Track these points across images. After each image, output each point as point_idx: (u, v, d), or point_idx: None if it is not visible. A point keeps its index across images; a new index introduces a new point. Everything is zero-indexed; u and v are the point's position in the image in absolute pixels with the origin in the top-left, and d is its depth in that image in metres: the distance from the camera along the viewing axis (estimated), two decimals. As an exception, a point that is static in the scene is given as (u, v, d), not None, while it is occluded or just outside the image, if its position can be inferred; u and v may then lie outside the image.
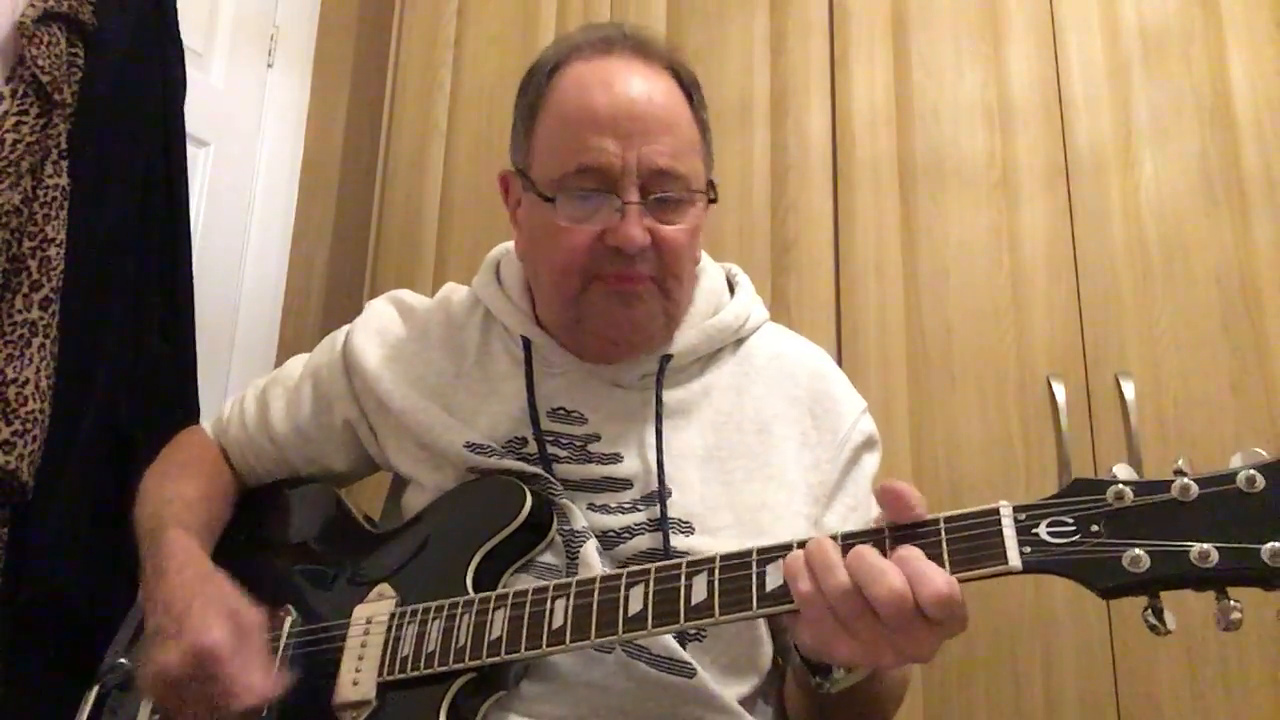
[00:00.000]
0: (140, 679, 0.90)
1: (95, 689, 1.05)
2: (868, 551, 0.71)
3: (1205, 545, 0.64)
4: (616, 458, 0.99)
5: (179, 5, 1.68)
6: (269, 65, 2.09)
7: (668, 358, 1.02)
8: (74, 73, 1.48)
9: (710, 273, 1.10)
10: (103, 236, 1.49)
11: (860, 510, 1.02)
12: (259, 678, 0.86)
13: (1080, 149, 1.67)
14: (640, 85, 0.96)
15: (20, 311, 1.36)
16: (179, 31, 1.68)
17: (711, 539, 0.94)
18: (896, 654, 0.70)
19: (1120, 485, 0.69)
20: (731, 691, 0.93)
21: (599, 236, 0.94)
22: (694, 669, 0.89)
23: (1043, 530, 0.70)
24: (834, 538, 0.75)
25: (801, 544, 0.75)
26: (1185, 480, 0.67)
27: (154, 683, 0.87)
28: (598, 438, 1.00)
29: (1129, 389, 1.54)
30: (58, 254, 1.40)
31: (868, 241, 1.71)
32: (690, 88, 1.01)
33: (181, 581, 0.93)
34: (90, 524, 1.39)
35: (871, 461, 1.06)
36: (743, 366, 1.06)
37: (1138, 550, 0.66)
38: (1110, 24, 1.71)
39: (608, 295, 0.96)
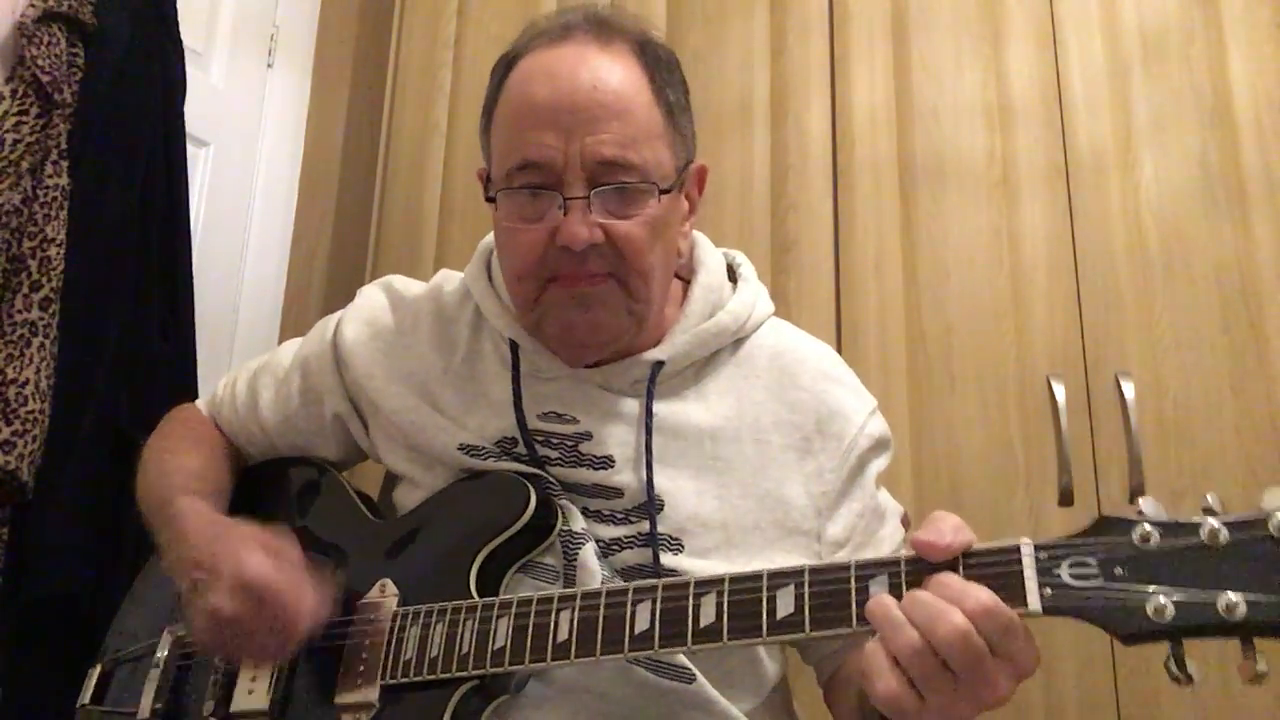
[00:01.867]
0: (194, 635, 0.89)
1: (98, 667, 1.05)
2: (921, 594, 0.69)
3: (1233, 596, 0.62)
4: (608, 462, 0.96)
5: (179, 5, 1.68)
6: (269, 65, 2.09)
7: (659, 365, 0.98)
8: (74, 73, 1.48)
9: (709, 266, 1.04)
10: (103, 236, 1.49)
11: (867, 517, 0.98)
12: (310, 594, 0.86)
13: (1080, 149, 1.67)
14: (587, 73, 0.91)
15: (20, 311, 1.36)
16: (179, 31, 1.68)
17: (700, 560, 0.91)
18: (975, 705, 0.68)
19: (1146, 526, 0.66)
20: (729, 699, 0.91)
21: (549, 238, 0.90)
22: (693, 674, 0.88)
23: (1064, 571, 0.68)
24: (846, 566, 0.74)
25: (815, 569, 0.74)
26: (1214, 524, 0.64)
27: (210, 630, 0.86)
28: (589, 436, 0.97)
29: (1129, 389, 1.54)
30: (58, 254, 1.40)
31: (868, 241, 1.71)
32: (655, 68, 0.95)
33: (202, 537, 0.92)
34: (90, 524, 1.39)
35: (878, 464, 1.01)
36: (741, 369, 1.02)
37: (1162, 598, 0.64)
38: (1110, 24, 1.71)
39: (564, 298, 0.92)
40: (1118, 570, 0.66)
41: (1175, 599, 0.64)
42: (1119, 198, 1.64)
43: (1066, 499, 1.52)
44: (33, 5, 1.45)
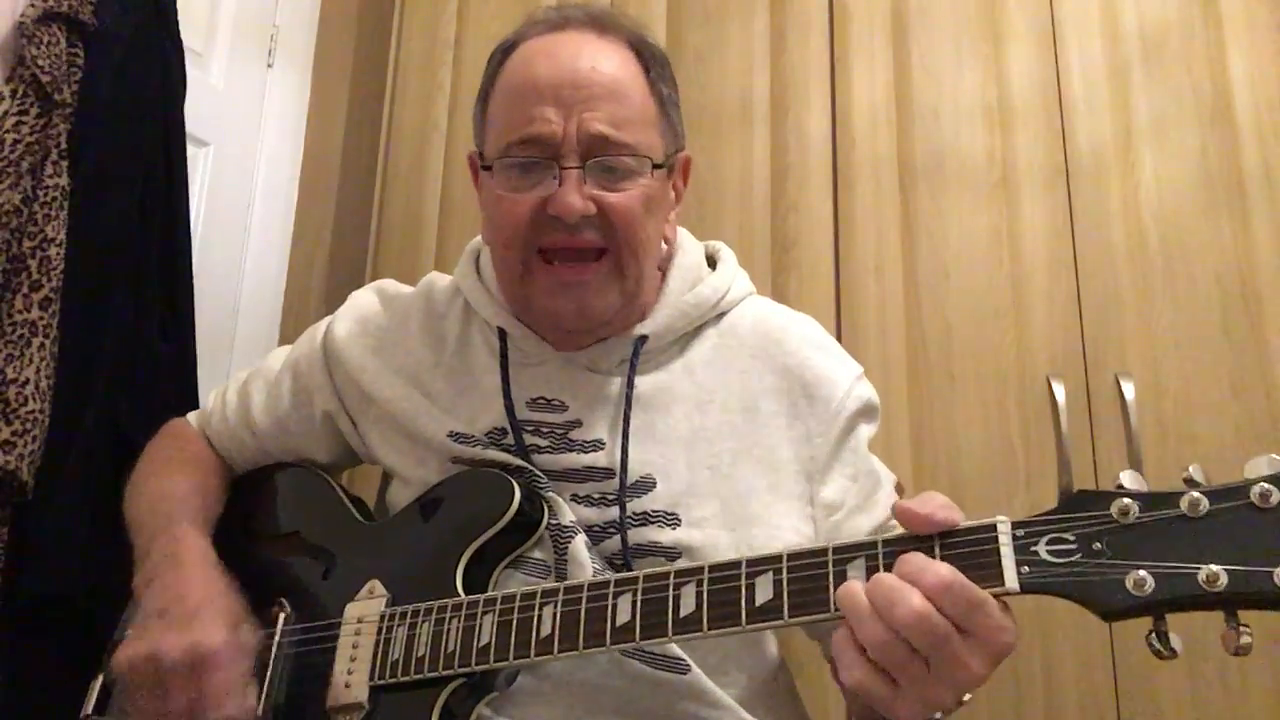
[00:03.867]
0: (125, 652, 0.87)
1: (100, 678, 1.05)
2: (885, 578, 0.67)
3: (1214, 567, 0.61)
4: (598, 445, 0.96)
5: (179, 5, 1.68)
6: (269, 65, 2.09)
7: (643, 340, 0.99)
8: (74, 73, 1.48)
9: (687, 249, 1.07)
10: (103, 236, 1.48)
11: (860, 481, 0.99)
12: (239, 700, 0.86)
13: (1080, 149, 1.67)
14: (586, 55, 0.95)
15: (20, 311, 1.36)
16: (179, 31, 1.68)
17: (698, 531, 0.92)
18: (951, 688, 0.67)
19: (1125, 500, 0.65)
20: (724, 688, 0.91)
21: (540, 206, 0.92)
22: (688, 665, 0.89)
23: (1042, 548, 0.66)
24: (824, 551, 0.73)
25: (792, 555, 0.74)
26: (1195, 494, 0.63)
27: (142, 662, 0.86)
28: (579, 424, 0.98)
29: (1129, 389, 1.54)
30: (58, 254, 1.40)
31: (868, 241, 1.71)
32: (650, 63, 0.99)
33: (202, 578, 0.93)
34: (90, 524, 1.39)
35: (867, 430, 1.03)
36: (726, 340, 1.03)
37: (1142, 572, 0.63)
38: (1110, 24, 1.71)
39: (552, 284, 0.94)
40: (1096, 545, 0.65)
41: (1155, 572, 0.62)
42: (1119, 198, 1.64)
43: (1066, 499, 1.52)
44: (33, 5, 1.45)
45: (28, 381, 1.34)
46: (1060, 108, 1.69)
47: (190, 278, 1.67)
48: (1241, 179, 1.61)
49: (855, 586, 0.69)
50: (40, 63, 1.42)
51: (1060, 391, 1.56)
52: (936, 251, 1.68)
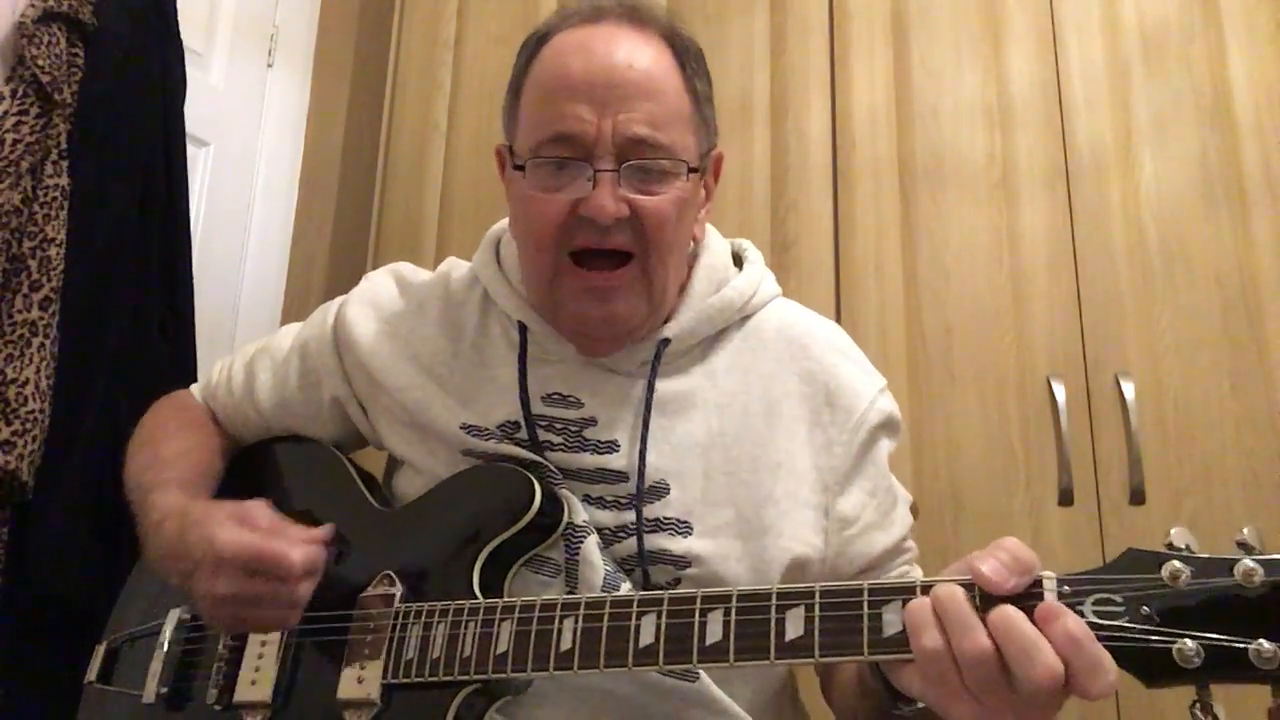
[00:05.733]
0: (209, 624, 0.87)
1: (103, 645, 1.04)
2: (1016, 617, 0.63)
3: (1267, 644, 0.59)
4: (613, 446, 0.95)
5: (179, 5, 1.68)
6: (269, 65, 2.09)
7: (665, 342, 0.97)
8: (74, 73, 1.48)
9: (714, 249, 1.04)
10: (103, 236, 1.49)
11: (879, 497, 0.97)
12: (296, 545, 0.85)
13: (1080, 149, 1.67)
14: (623, 52, 0.91)
15: (20, 311, 1.36)
16: (179, 31, 1.68)
17: (710, 541, 0.91)
18: (1016, 718, 0.64)
19: (1177, 563, 0.62)
20: (732, 697, 0.91)
21: (572, 208, 0.90)
22: (696, 673, 0.88)
23: (1088, 609, 0.63)
24: (859, 590, 0.70)
25: (825, 591, 0.71)
26: (1250, 564, 0.60)
27: (217, 613, 0.85)
28: (594, 422, 0.96)
29: (1129, 389, 1.54)
30: (58, 254, 1.40)
31: (868, 241, 1.71)
32: (685, 56, 0.96)
33: (173, 531, 0.92)
34: (90, 524, 1.39)
35: (889, 445, 1.00)
36: (749, 342, 1.01)
37: (1190, 642, 0.60)
38: (1110, 24, 1.71)
39: (580, 290, 0.92)
40: (1144, 609, 0.62)
41: (1204, 643, 0.60)
42: (1119, 198, 1.64)
43: (1066, 499, 1.52)
44: (33, 5, 1.45)
45: (28, 381, 1.34)
46: (1060, 108, 1.69)
47: (190, 278, 1.67)
48: (1241, 179, 1.61)
49: (959, 593, 0.65)
50: (40, 63, 1.42)
51: (1060, 392, 1.56)
52: (936, 251, 1.68)
